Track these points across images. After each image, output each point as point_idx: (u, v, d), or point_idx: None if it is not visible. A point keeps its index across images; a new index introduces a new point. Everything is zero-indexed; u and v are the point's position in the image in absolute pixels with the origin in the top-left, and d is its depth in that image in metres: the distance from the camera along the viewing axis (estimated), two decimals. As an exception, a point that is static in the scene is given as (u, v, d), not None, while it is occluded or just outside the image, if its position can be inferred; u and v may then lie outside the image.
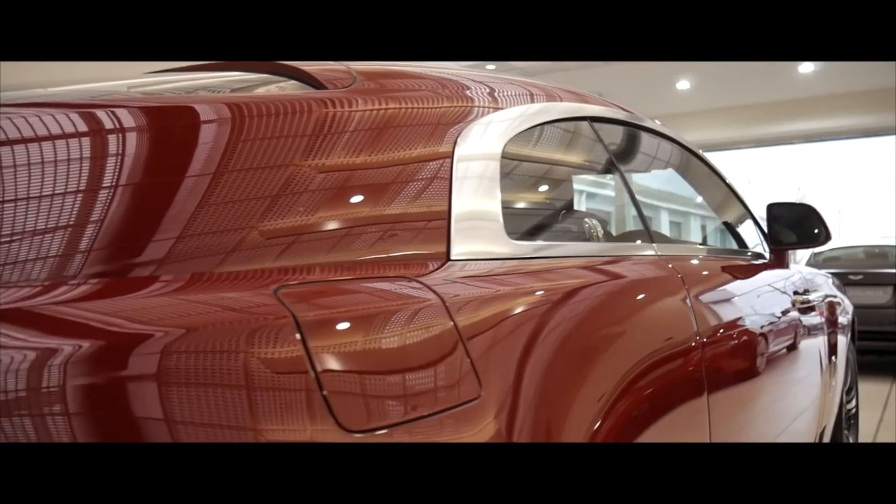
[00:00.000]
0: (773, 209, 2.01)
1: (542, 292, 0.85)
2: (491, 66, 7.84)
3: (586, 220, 1.34)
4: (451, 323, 0.68)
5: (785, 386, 1.72)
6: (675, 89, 8.64)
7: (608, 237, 1.26)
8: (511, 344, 0.74)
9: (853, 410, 2.95)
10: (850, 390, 2.87)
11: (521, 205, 1.11)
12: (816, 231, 1.99)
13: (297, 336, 0.56)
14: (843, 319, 2.49)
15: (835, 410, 2.35)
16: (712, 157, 2.02)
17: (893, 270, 5.65)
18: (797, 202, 2.05)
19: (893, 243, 6.80)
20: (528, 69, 8.02)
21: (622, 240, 1.26)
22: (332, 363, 0.57)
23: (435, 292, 0.70)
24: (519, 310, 0.78)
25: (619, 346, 0.94)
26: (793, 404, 1.80)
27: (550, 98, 1.23)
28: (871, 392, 4.79)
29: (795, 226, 2.01)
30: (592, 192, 1.39)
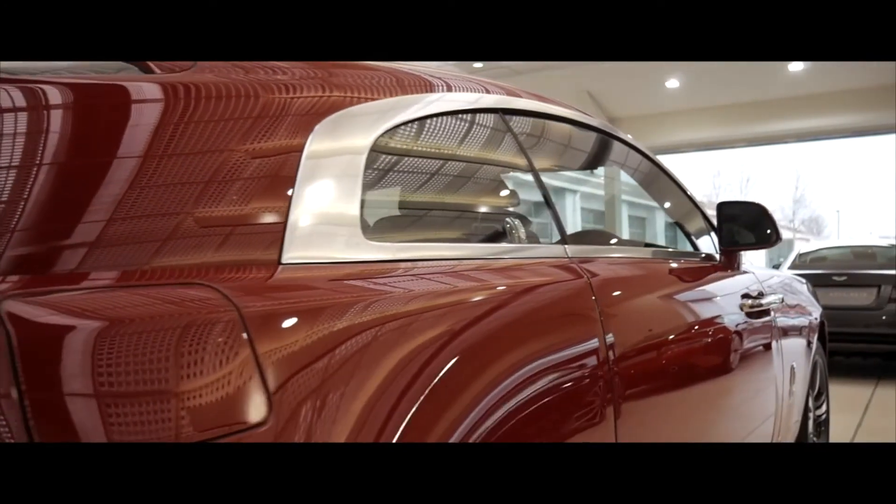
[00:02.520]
0: (723, 209, 1.91)
1: (377, 302, 0.75)
2: (478, 64, 7.77)
3: (480, 220, 1.25)
4: (243, 334, 0.60)
5: (726, 398, 1.62)
6: (665, 88, 8.56)
7: (505, 238, 1.16)
8: (323, 361, 0.64)
9: (823, 416, 2.85)
10: (819, 395, 2.77)
11: (392, 204, 1.01)
12: (769, 231, 1.90)
13: (7, 357, 0.48)
14: (804, 321, 2.39)
15: (795, 418, 2.26)
16: (705, 157, 1.94)
17: (877, 271, 5.53)
18: (748, 201, 1.94)
19: (889, 243, 6.63)
20: (516, 67, 7.95)
21: (526, 241, 1.16)
22: (47, 386, 0.48)
23: (229, 299, 0.61)
24: (341, 322, 0.68)
25: (477, 364, 0.82)
26: (738, 418, 1.69)
27: (450, 88, 1.14)
28: (853, 395, 4.71)
29: (748, 226, 1.91)
30: (496, 190, 1.30)
